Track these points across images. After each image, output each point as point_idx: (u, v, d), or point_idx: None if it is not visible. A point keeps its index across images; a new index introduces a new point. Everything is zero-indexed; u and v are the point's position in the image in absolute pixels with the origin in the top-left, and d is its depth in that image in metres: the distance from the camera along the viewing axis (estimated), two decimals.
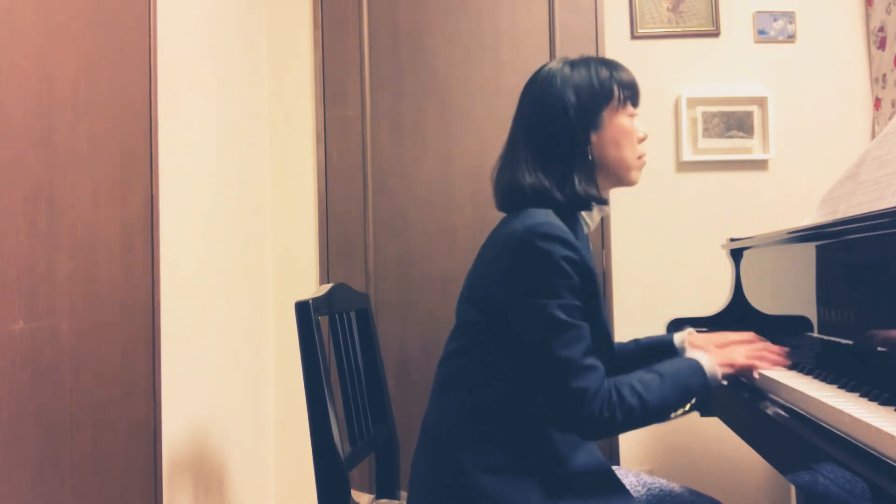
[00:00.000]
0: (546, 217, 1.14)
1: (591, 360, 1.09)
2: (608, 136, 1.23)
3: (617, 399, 1.08)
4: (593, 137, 1.22)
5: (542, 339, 1.08)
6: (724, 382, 1.30)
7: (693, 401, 1.14)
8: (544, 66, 1.27)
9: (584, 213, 1.27)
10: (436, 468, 1.19)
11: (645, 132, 1.28)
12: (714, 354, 1.22)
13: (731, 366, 1.23)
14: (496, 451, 1.14)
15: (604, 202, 1.25)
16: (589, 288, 1.15)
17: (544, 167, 1.21)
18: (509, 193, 1.24)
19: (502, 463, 1.13)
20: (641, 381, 1.12)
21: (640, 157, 1.27)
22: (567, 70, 1.24)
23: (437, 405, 1.25)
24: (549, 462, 1.14)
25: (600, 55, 2.42)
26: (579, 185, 1.20)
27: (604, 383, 1.09)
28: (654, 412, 1.11)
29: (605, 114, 1.22)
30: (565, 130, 1.21)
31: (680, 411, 1.14)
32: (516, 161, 1.24)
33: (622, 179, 1.27)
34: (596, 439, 1.17)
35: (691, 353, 1.22)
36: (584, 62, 1.25)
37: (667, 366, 1.17)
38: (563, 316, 1.08)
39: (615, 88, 1.23)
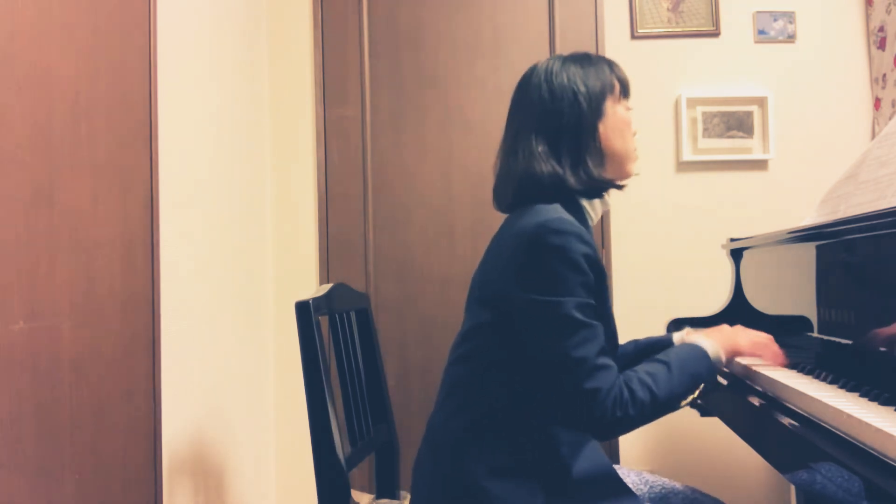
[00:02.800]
0: (557, 213, 1.13)
1: (605, 360, 1.08)
2: (612, 126, 1.23)
3: (629, 396, 1.07)
4: (600, 126, 1.23)
5: (556, 338, 1.07)
6: (726, 369, 1.30)
7: (702, 387, 1.15)
8: (537, 64, 1.28)
9: (587, 206, 1.26)
10: (441, 471, 1.19)
11: (636, 127, 1.30)
12: (716, 338, 1.22)
13: (735, 350, 1.23)
14: (502, 454, 1.13)
15: (619, 186, 1.24)
16: (600, 286, 1.14)
17: (558, 155, 1.20)
18: (525, 185, 1.21)
19: (508, 466, 1.13)
20: (649, 373, 1.11)
21: (635, 150, 1.28)
22: (570, 63, 1.25)
23: (445, 408, 1.24)
24: (554, 465, 1.14)
25: (600, 55, 2.43)
26: (594, 169, 1.20)
27: (616, 382, 1.08)
28: (664, 404, 1.10)
29: (608, 103, 1.24)
30: (578, 117, 1.21)
31: (689, 398, 1.14)
32: (522, 151, 1.23)
33: (622, 171, 1.27)
34: (609, 438, 1.17)
35: (694, 339, 1.21)
36: (585, 56, 1.27)
37: (672, 355, 1.16)
38: (577, 315, 1.07)
39: (614, 80, 1.25)
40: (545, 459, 1.14)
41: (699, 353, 1.17)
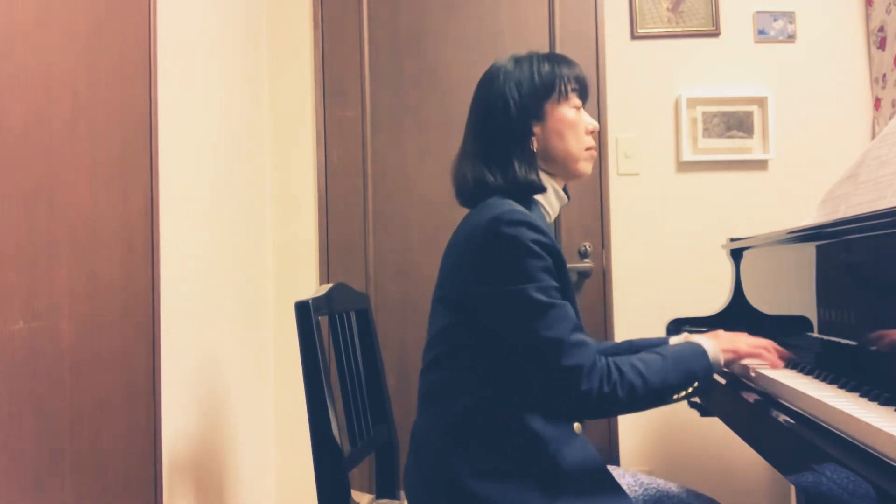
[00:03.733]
0: (509, 205, 1.15)
1: (579, 336, 1.09)
2: (551, 128, 1.26)
3: (618, 376, 1.08)
4: (536, 129, 1.25)
5: (525, 324, 1.08)
6: (725, 370, 1.30)
7: (696, 384, 1.14)
8: (494, 63, 1.32)
9: (542, 202, 1.28)
10: (429, 478, 1.19)
11: (595, 124, 1.30)
12: (717, 340, 1.22)
13: (735, 352, 1.23)
14: (487, 456, 1.13)
15: (542, 189, 1.26)
16: (560, 271, 1.15)
17: (487, 159, 1.25)
18: (460, 188, 1.29)
19: (494, 467, 1.12)
20: (642, 360, 1.12)
21: (588, 149, 1.29)
22: (510, 66, 1.28)
23: (423, 415, 1.24)
24: (541, 461, 1.13)
25: (600, 55, 2.43)
26: (519, 170, 1.23)
27: (600, 359, 1.09)
28: (655, 392, 1.10)
29: (548, 106, 1.25)
30: (505, 122, 1.24)
31: (683, 393, 1.14)
32: (465, 156, 1.29)
33: (570, 170, 1.29)
34: (598, 417, 1.16)
35: (693, 339, 1.22)
36: (528, 58, 1.29)
37: (669, 348, 1.17)
38: (542, 297, 1.08)
39: (556, 81, 1.26)
40: (533, 457, 1.13)
41: (697, 350, 1.17)
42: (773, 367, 1.27)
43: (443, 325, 1.22)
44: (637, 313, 2.41)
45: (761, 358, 1.27)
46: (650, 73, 2.45)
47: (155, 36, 1.48)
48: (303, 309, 1.29)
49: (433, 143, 2.46)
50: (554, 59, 1.29)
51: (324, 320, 1.39)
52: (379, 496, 1.59)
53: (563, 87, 1.26)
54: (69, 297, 1.16)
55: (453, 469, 1.14)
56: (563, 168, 1.28)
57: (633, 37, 2.46)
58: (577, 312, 1.17)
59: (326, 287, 1.42)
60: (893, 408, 0.93)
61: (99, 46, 1.28)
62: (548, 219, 1.29)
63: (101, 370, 1.25)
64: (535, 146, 1.25)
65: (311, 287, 2.42)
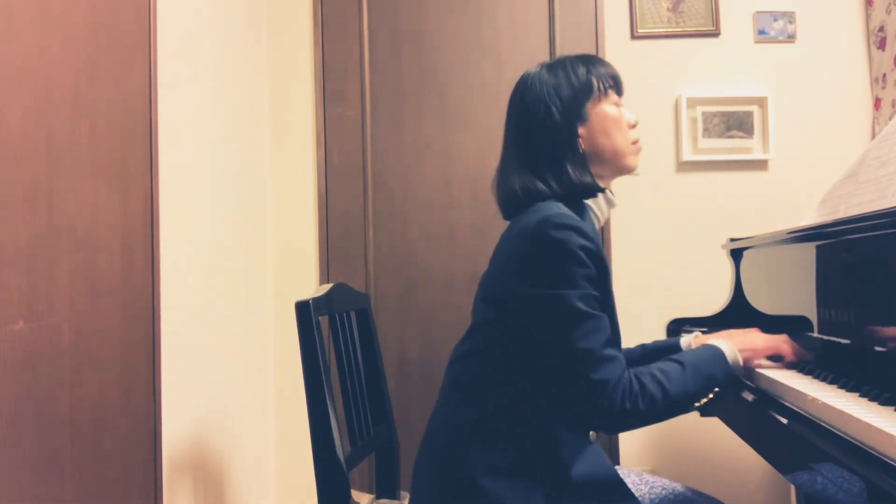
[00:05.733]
0: (558, 209, 1.14)
1: (611, 351, 1.08)
2: (595, 126, 1.25)
3: (639, 389, 1.07)
4: (582, 131, 1.24)
5: (561, 331, 1.07)
6: (748, 384, 1.29)
7: (717, 390, 1.14)
8: (525, 73, 1.31)
9: (592, 206, 1.28)
10: (441, 469, 1.18)
11: (636, 118, 1.30)
12: (734, 341, 1.21)
13: (753, 349, 1.22)
14: (502, 453, 1.13)
15: (600, 189, 1.26)
16: (603, 279, 1.14)
17: (535, 168, 1.23)
18: (507, 200, 1.26)
19: (507, 465, 1.12)
20: (662, 371, 1.11)
21: (634, 143, 1.29)
22: (545, 73, 1.27)
23: (445, 406, 1.24)
24: (554, 466, 1.13)
25: (600, 55, 2.43)
26: (574, 175, 1.22)
27: (624, 374, 1.08)
28: (677, 402, 1.09)
29: (589, 106, 1.25)
30: (551, 129, 1.23)
31: (704, 400, 1.13)
32: (508, 168, 1.27)
33: (620, 166, 1.28)
34: (618, 432, 1.16)
35: (711, 341, 1.21)
36: (561, 63, 1.28)
37: (688, 355, 1.16)
38: (582, 306, 1.07)
39: (594, 81, 1.25)
40: (545, 460, 1.13)
41: (716, 354, 1.16)
42: (795, 357, 1.27)
43: (480, 320, 1.22)
44: (637, 313, 2.40)
45: (780, 352, 1.26)
46: (650, 73, 2.45)
47: (155, 36, 1.48)
48: (303, 309, 1.29)
49: (433, 143, 2.46)
50: (587, 60, 1.29)
51: (324, 320, 1.39)
52: (379, 496, 1.59)
53: (601, 86, 1.26)
54: (69, 297, 1.16)
55: (466, 461, 1.14)
56: (612, 166, 1.27)
57: (633, 37, 2.46)
58: (614, 325, 1.18)
59: (326, 287, 1.42)
60: (893, 408, 0.93)
61: (99, 46, 1.28)
62: (596, 224, 1.29)
63: (101, 370, 1.25)
64: (582, 148, 1.24)
65: (311, 287, 2.42)
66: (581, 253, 1.09)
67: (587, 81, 1.25)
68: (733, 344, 1.19)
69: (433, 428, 1.24)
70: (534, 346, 1.12)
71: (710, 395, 1.14)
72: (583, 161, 1.24)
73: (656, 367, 1.11)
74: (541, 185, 1.22)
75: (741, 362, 1.19)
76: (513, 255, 1.15)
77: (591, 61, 1.28)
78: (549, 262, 1.10)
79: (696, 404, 1.13)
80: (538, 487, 1.11)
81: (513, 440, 1.14)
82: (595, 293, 1.11)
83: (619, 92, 1.30)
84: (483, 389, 1.18)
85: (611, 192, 1.32)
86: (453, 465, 1.16)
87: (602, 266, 1.13)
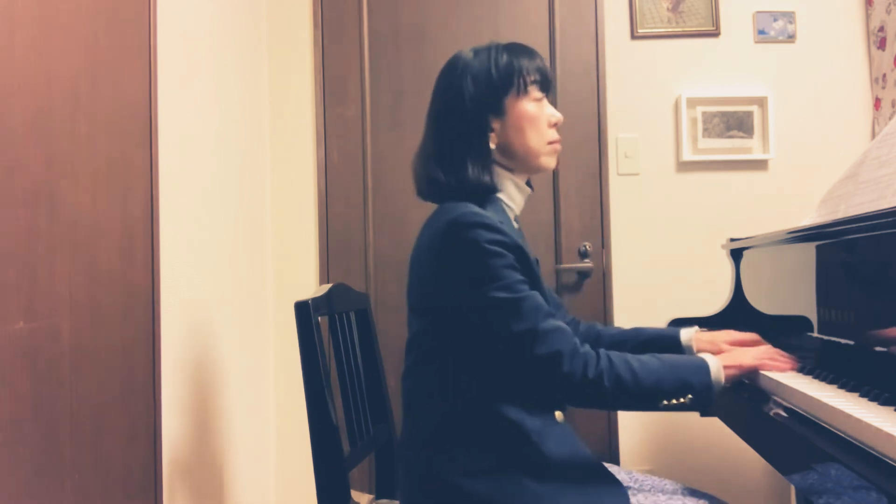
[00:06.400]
0: (464, 208, 1.14)
1: (552, 323, 1.09)
2: (511, 123, 1.22)
3: (606, 364, 1.07)
4: (496, 124, 1.22)
5: (496, 323, 1.08)
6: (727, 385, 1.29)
7: (690, 396, 1.12)
8: (456, 52, 1.28)
9: (502, 198, 1.26)
10: (420, 483, 1.19)
11: (558, 116, 1.26)
12: (722, 357, 1.20)
13: (739, 367, 1.20)
14: (473, 456, 1.13)
15: (493, 191, 1.22)
16: (525, 266, 1.14)
17: (440, 158, 1.22)
18: (418, 184, 1.27)
19: (482, 466, 1.12)
20: (639, 359, 1.11)
21: (551, 143, 1.25)
22: (469, 56, 1.24)
23: (407, 421, 1.25)
24: (526, 452, 1.13)
25: (600, 55, 2.43)
26: (472, 172, 1.20)
27: (583, 346, 1.08)
28: (645, 392, 1.09)
29: (508, 101, 1.22)
30: (461, 119, 1.21)
31: (674, 401, 1.11)
32: (422, 152, 1.27)
33: (532, 165, 1.26)
34: (584, 404, 1.15)
35: (702, 355, 1.20)
36: (487, 49, 1.24)
37: (670, 356, 1.16)
38: (507, 294, 1.08)
39: (515, 74, 1.22)
40: (518, 449, 1.13)
41: (699, 364, 1.15)
42: (781, 371, 1.26)
43: (414, 332, 1.23)
44: (637, 313, 2.40)
45: (766, 368, 1.25)
46: (650, 73, 2.45)
47: (155, 36, 1.48)
48: (303, 309, 1.29)
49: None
50: (514, 49, 1.24)
51: (324, 320, 1.39)
52: (379, 496, 1.59)
53: (521, 81, 1.22)
54: (69, 297, 1.16)
55: (443, 472, 1.14)
56: (524, 164, 1.25)
57: (633, 37, 2.46)
58: (548, 302, 1.16)
59: (326, 287, 1.42)
60: (893, 408, 0.93)
61: (99, 46, 1.28)
62: (510, 213, 1.27)
63: (101, 370, 1.25)
64: (494, 142, 1.22)
65: (311, 287, 2.42)
66: (493, 247, 1.09)
67: (508, 74, 1.21)
68: (720, 360, 1.17)
69: (402, 445, 1.25)
70: (474, 346, 1.12)
71: (683, 400, 1.12)
72: (485, 158, 1.22)
73: (633, 357, 1.11)
74: (441, 177, 1.21)
75: (723, 379, 1.16)
76: (430, 262, 1.16)
77: (518, 51, 1.24)
78: (465, 262, 1.10)
79: (665, 403, 1.11)
80: (521, 476, 1.11)
81: (480, 441, 1.14)
82: (519, 277, 1.10)
83: (546, 88, 1.26)
84: (434, 401, 1.18)
85: (527, 182, 1.29)
86: (431, 477, 1.16)
87: (520, 254, 1.13)
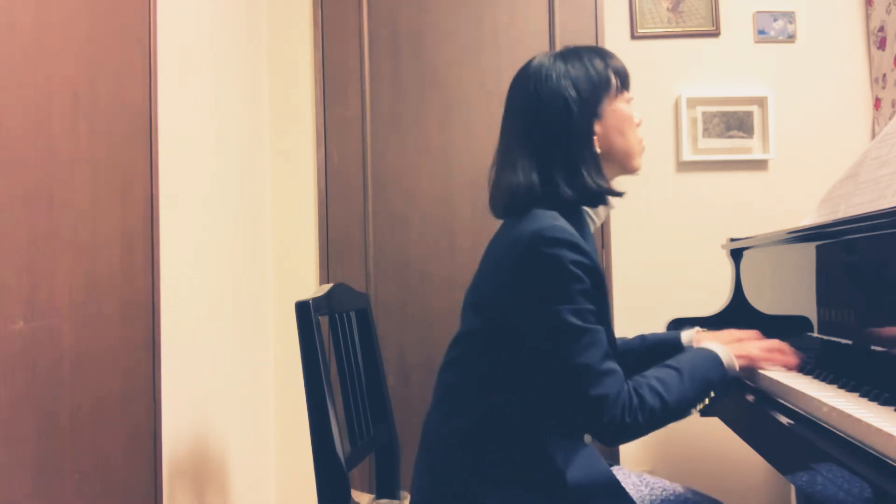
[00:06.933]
0: (552, 220, 1.09)
1: (609, 365, 1.06)
2: (611, 125, 1.19)
3: (638, 403, 1.05)
4: (597, 128, 1.18)
5: (557, 347, 1.05)
6: (750, 384, 1.28)
7: (712, 395, 1.13)
8: (531, 61, 1.23)
9: (589, 211, 1.25)
10: (437, 477, 1.18)
11: (640, 116, 1.25)
12: (731, 347, 1.20)
13: (748, 358, 1.20)
14: (495, 463, 1.12)
15: (618, 194, 1.20)
16: (599, 292, 1.11)
17: (548, 165, 1.16)
18: (513, 196, 1.18)
19: (500, 474, 1.12)
20: (660, 380, 1.09)
21: (640, 142, 1.24)
22: (560, 64, 1.19)
23: (436, 414, 1.23)
24: (549, 472, 1.12)
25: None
26: (590, 178, 1.16)
27: (623, 387, 1.06)
28: (674, 411, 1.09)
29: (606, 102, 1.19)
30: (569, 125, 1.16)
31: (700, 406, 1.12)
32: (511, 165, 1.19)
33: (628, 166, 1.23)
34: (618, 444, 1.14)
35: (707, 345, 1.19)
36: (576, 54, 1.21)
37: (684, 360, 1.14)
38: (577, 321, 1.05)
39: (612, 76, 1.20)
40: (539, 467, 1.12)
41: (712, 358, 1.14)
42: (788, 368, 1.26)
43: (470, 328, 1.19)
44: (637, 313, 2.40)
45: (775, 363, 1.24)
46: (650, 73, 2.45)
47: (155, 36, 1.48)
48: (303, 309, 1.29)
49: (433, 143, 2.46)
50: (602, 53, 1.22)
51: (324, 320, 1.38)
52: (379, 496, 1.59)
53: (617, 82, 1.20)
54: (69, 297, 1.16)
55: (460, 471, 1.13)
56: (620, 166, 1.22)
57: (633, 37, 2.46)
58: (611, 337, 1.14)
59: (326, 287, 1.42)
60: (893, 408, 0.93)
61: (99, 47, 1.28)
62: (592, 227, 1.26)
63: (101, 370, 1.25)
64: (598, 148, 1.18)
65: (311, 287, 2.41)
66: (574, 268, 1.06)
67: (606, 76, 1.19)
68: (729, 349, 1.17)
69: (427, 435, 1.23)
70: (529, 359, 1.10)
71: (706, 401, 1.13)
72: (598, 163, 1.18)
73: (653, 377, 1.10)
74: (549, 187, 1.15)
75: (737, 367, 1.17)
76: (504, 265, 1.12)
77: (607, 55, 1.22)
78: (542, 278, 1.07)
79: (693, 410, 1.12)
80: (536, 494, 1.10)
81: (503, 449, 1.13)
82: (590, 307, 1.08)
83: (629, 88, 1.24)
84: (471, 398, 1.17)
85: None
86: (448, 474, 1.15)
87: (597, 279, 1.10)
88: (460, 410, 1.17)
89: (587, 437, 1.20)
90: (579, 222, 1.18)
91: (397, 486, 1.60)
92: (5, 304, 1.00)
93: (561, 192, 1.15)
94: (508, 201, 1.19)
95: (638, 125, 1.24)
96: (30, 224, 1.06)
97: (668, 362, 1.14)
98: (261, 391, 2.30)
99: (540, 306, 1.07)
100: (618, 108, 1.20)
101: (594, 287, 1.10)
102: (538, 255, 1.07)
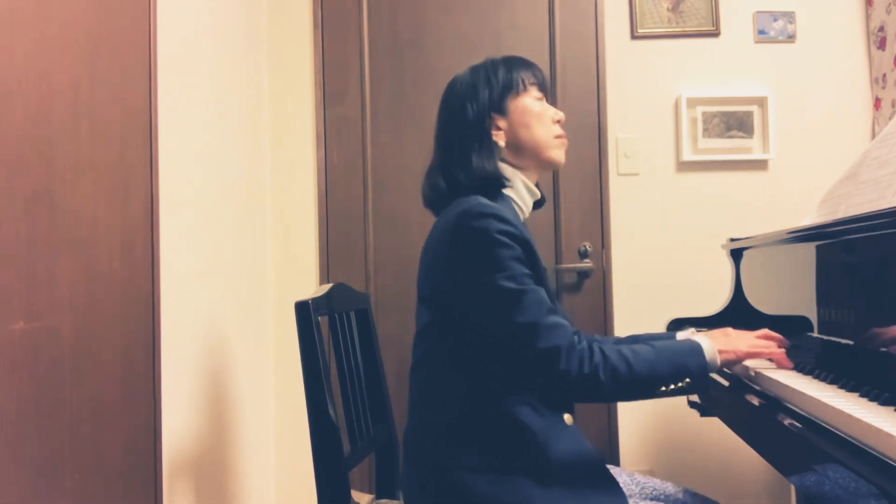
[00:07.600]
0: (476, 200, 1.17)
1: (554, 319, 1.10)
2: (515, 119, 1.28)
3: (600, 359, 1.08)
4: (502, 123, 1.28)
5: (500, 313, 1.09)
6: (727, 370, 1.29)
7: (687, 380, 1.12)
8: (455, 76, 1.36)
9: (513, 197, 1.29)
10: (425, 479, 1.19)
11: (560, 114, 1.33)
12: (716, 340, 1.20)
13: (734, 352, 1.20)
14: (480, 454, 1.14)
15: (499, 177, 1.27)
16: (531, 260, 1.16)
17: (450, 164, 1.28)
18: (433, 191, 1.31)
19: (487, 463, 1.13)
20: (632, 349, 1.12)
21: (558, 137, 1.31)
22: (467, 74, 1.33)
23: (413, 418, 1.26)
24: (531, 454, 1.13)
25: (600, 55, 2.43)
26: (477, 162, 1.25)
27: (581, 341, 1.09)
28: (642, 381, 1.09)
29: (509, 100, 1.28)
30: (462, 125, 1.28)
31: (672, 387, 1.12)
32: (433, 167, 1.33)
33: (542, 159, 1.30)
34: (582, 400, 1.16)
35: (694, 337, 1.21)
36: (483, 64, 1.33)
37: (663, 343, 1.17)
38: (512, 285, 1.10)
39: (514, 77, 1.29)
40: (524, 450, 1.13)
41: (693, 347, 1.15)
42: (779, 364, 1.25)
43: (423, 324, 1.24)
44: (637, 313, 2.41)
45: (762, 356, 1.25)
46: (650, 73, 2.45)
47: (155, 36, 1.48)
48: (303, 309, 1.29)
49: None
50: (510, 62, 1.32)
51: (324, 320, 1.39)
52: (379, 496, 1.59)
53: (522, 82, 1.29)
54: (69, 297, 1.16)
55: (448, 469, 1.14)
56: (534, 158, 1.30)
57: (633, 37, 2.46)
58: (552, 299, 1.18)
59: (326, 287, 1.42)
60: (893, 408, 0.93)
61: (99, 46, 1.28)
62: (521, 215, 1.30)
63: (101, 369, 1.25)
64: (503, 139, 1.28)
65: (311, 287, 2.42)
66: (502, 237, 1.12)
67: (508, 78, 1.29)
68: (714, 342, 1.18)
69: (408, 437, 1.26)
70: (480, 336, 1.13)
71: (681, 384, 1.12)
72: (489, 151, 1.27)
73: (626, 346, 1.12)
74: (453, 179, 1.26)
75: (719, 361, 1.17)
76: (441, 252, 1.18)
77: (514, 63, 1.32)
78: (474, 250, 1.12)
79: (663, 389, 1.12)
80: (524, 478, 1.11)
81: (487, 439, 1.15)
82: (526, 270, 1.13)
83: (543, 90, 1.32)
84: (444, 397, 1.19)
85: (535, 184, 1.33)
86: (436, 472, 1.16)
87: (527, 247, 1.15)
88: (435, 411, 1.20)
89: (568, 419, 1.20)
90: (506, 207, 1.25)
91: (397, 486, 1.60)
92: (5, 304, 1.00)
93: (460, 181, 1.26)
94: (433, 197, 1.32)
95: (557, 121, 1.32)
96: (30, 224, 1.06)
97: (648, 342, 1.16)
98: (261, 391, 2.30)
99: (477, 280, 1.11)
100: (522, 104, 1.29)
101: (526, 255, 1.15)
102: (467, 229, 1.13)
